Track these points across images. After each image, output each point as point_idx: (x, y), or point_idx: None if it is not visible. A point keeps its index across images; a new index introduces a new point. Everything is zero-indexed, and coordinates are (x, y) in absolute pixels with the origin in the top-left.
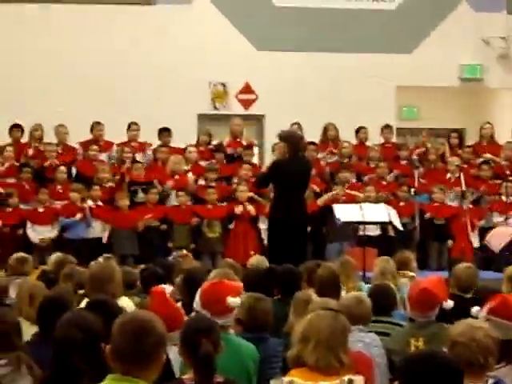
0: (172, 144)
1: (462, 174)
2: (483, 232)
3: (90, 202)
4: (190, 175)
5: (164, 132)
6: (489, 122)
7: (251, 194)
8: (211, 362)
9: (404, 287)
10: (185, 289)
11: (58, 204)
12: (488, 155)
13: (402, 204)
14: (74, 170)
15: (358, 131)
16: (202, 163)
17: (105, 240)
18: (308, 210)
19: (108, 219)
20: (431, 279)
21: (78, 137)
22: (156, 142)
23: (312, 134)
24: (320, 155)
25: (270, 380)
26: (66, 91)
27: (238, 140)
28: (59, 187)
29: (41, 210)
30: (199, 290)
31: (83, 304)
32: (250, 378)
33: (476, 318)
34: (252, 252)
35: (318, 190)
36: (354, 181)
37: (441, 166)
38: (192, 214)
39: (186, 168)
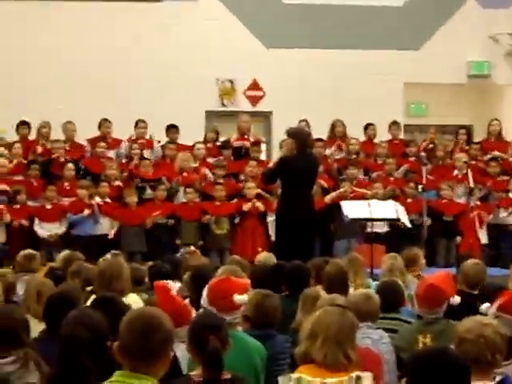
0: (180, 141)
1: (469, 171)
2: (491, 229)
3: (97, 199)
4: (205, 170)
5: (172, 129)
6: (496, 119)
7: (259, 190)
8: (219, 359)
9: (412, 284)
10: (192, 285)
11: (66, 201)
12: (496, 152)
13: (409, 200)
14: (81, 167)
15: (366, 128)
16: (210, 160)
17: (111, 236)
18: (315, 207)
19: (116, 216)
20: (438, 275)
21: (80, 134)
22: (164, 139)
23: (319, 131)
24: (328, 151)
25: (277, 377)
26: (73, 89)
27: (246, 137)
28: (67, 184)
29: (49, 206)
30: (206, 286)
31: (90, 301)
32: (257, 374)
33: (485, 314)
34: (260, 249)
35: (326, 186)
36: (361, 177)
37: (448, 163)
38: (200, 210)
39: (194, 165)
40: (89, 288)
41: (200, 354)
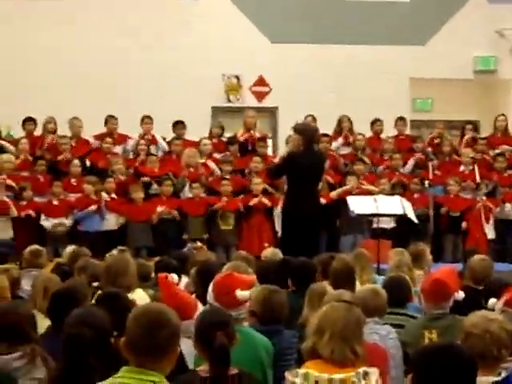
0: (186, 137)
1: (476, 166)
2: (498, 224)
3: (104, 195)
4: (212, 165)
5: (178, 125)
6: (503, 114)
7: (265, 185)
8: (226, 355)
9: (419, 280)
10: (198, 281)
11: (73, 197)
12: (505, 146)
13: (416, 196)
14: (87, 163)
15: (373, 123)
16: (216, 155)
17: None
18: (321, 202)
19: (122, 212)
20: (443, 270)
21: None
22: (170, 135)
23: (325, 127)
24: (334, 144)
25: (284, 372)
26: (78, 88)
27: (252, 132)
28: (73, 180)
29: (55, 202)
30: (212, 282)
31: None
32: (263, 370)
33: (492, 310)
34: (266, 244)
35: (332, 181)
36: (367, 173)
37: (455, 158)
38: (206, 205)
39: (200, 161)
40: (95, 284)
41: (207, 350)
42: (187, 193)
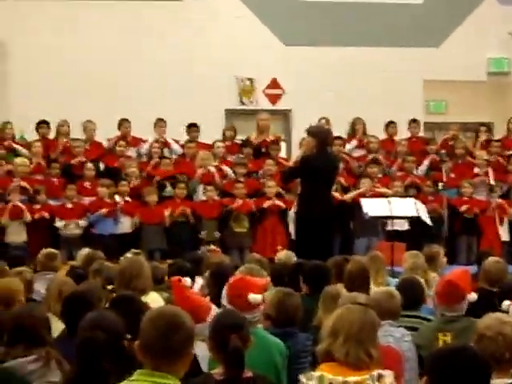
0: (200, 139)
1: (490, 168)
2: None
3: (117, 198)
4: (225, 167)
5: (192, 127)
6: None
7: (279, 188)
8: (241, 357)
9: (434, 282)
10: (212, 283)
11: (87, 200)
12: None
13: (430, 198)
14: (101, 166)
15: (387, 126)
16: (230, 158)
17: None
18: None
19: (136, 215)
20: (456, 272)
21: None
22: (184, 138)
23: (339, 129)
24: (348, 146)
25: (299, 375)
26: (92, 89)
27: (265, 135)
28: (87, 183)
29: (69, 205)
30: (226, 285)
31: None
32: (278, 372)
33: (506, 311)
34: (279, 247)
35: (345, 184)
36: (380, 176)
37: (468, 161)
38: (220, 208)
39: (214, 163)
40: (109, 287)
41: (221, 353)
42: (201, 195)
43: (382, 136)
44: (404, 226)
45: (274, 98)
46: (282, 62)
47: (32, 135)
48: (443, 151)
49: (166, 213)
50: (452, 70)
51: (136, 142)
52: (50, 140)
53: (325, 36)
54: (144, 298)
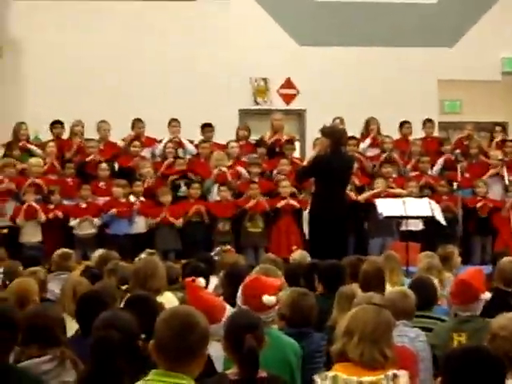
0: (214, 139)
1: (504, 168)
2: None
3: (132, 198)
4: (240, 168)
5: (206, 127)
6: None
7: (293, 189)
8: (255, 358)
9: (449, 283)
10: (226, 283)
11: (101, 200)
12: None
13: (444, 198)
14: (116, 166)
15: (401, 126)
16: (244, 159)
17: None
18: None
19: (151, 215)
20: (469, 271)
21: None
22: (198, 138)
23: (353, 129)
24: (361, 145)
25: (313, 375)
26: (106, 88)
27: (279, 134)
28: (102, 183)
29: (83, 205)
30: (241, 285)
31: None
32: (292, 372)
33: None
34: (294, 247)
35: (359, 184)
36: (395, 176)
37: (483, 160)
38: (234, 208)
39: (228, 163)
40: (124, 287)
41: (236, 353)
42: (215, 195)
43: (396, 136)
44: (419, 226)
45: (288, 98)
46: (296, 61)
47: (46, 136)
48: (458, 151)
49: (172, 220)
50: (467, 69)
51: (150, 142)
52: (64, 140)
53: (339, 36)
54: (159, 298)
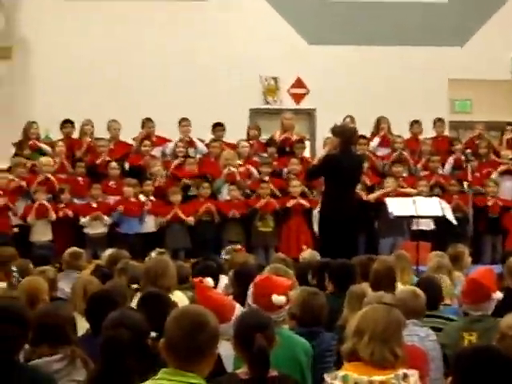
0: (224, 139)
1: None
2: None
3: (142, 197)
4: (251, 167)
5: (217, 127)
6: None
7: (304, 188)
8: (266, 357)
9: (459, 282)
10: (236, 282)
11: (112, 199)
12: None
13: (455, 197)
14: (126, 165)
15: (411, 125)
16: (254, 158)
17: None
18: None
19: (161, 214)
20: (480, 270)
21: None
22: (209, 137)
23: (364, 129)
24: (371, 144)
25: (323, 374)
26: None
27: (289, 134)
28: (112, 183)
29: (94, 205)
30: (251, 284)
31: (136, 298)
32: (302, 372)
33: None
34: (304, 246)
35: (369, 183)
36: (405, 175)
37: (493, 160)
38: (244, 207)
39: (238, 163)
40: (134, 286)
41: (246, 352)
42: (225, 195)
43: (407, 135)
44: (429, 225)
45: (298, 98)
46: (306, 61)
47: (57, 135)
48: (469, 150)
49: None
50: (477, 68)
51: (161, 141)
52: (74, 139)
53: (349, 35)
54: None
